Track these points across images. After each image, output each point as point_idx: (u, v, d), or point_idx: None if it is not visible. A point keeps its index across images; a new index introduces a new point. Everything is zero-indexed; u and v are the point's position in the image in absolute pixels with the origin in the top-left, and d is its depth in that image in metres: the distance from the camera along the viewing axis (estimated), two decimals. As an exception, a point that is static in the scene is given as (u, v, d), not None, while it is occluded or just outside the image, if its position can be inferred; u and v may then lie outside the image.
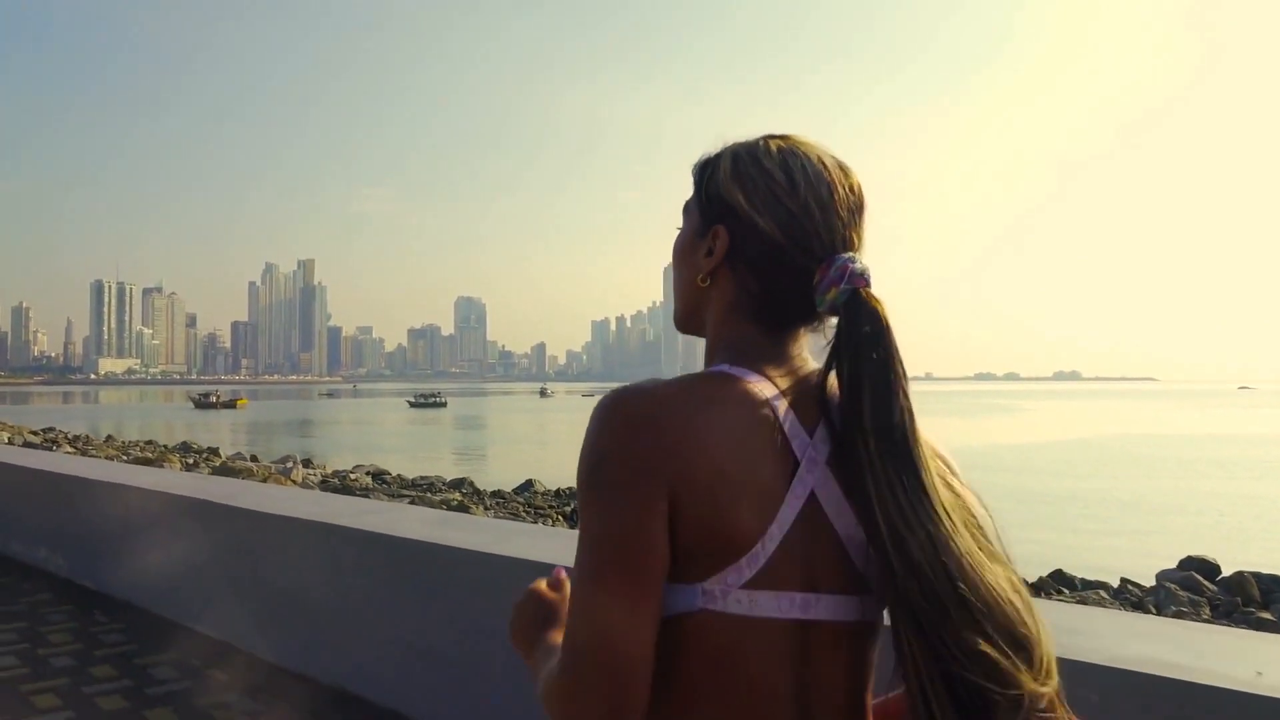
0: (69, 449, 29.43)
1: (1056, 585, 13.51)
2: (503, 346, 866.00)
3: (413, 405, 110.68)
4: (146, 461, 22.10)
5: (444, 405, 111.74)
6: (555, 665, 0.95)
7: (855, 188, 1.07)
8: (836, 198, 1.05)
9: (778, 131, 1.12)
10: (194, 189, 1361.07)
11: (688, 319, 1.15)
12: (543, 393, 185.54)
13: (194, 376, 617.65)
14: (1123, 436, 57.42)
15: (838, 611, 0.97)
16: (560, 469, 28.96)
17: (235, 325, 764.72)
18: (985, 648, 0.89)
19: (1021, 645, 0.90)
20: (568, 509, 19.52)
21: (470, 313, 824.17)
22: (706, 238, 1.08)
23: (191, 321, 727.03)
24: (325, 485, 20.05)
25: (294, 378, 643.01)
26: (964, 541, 0.94)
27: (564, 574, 1.16)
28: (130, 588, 5.60)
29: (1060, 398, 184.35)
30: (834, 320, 1.02)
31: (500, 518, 16.52)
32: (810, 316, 1.05)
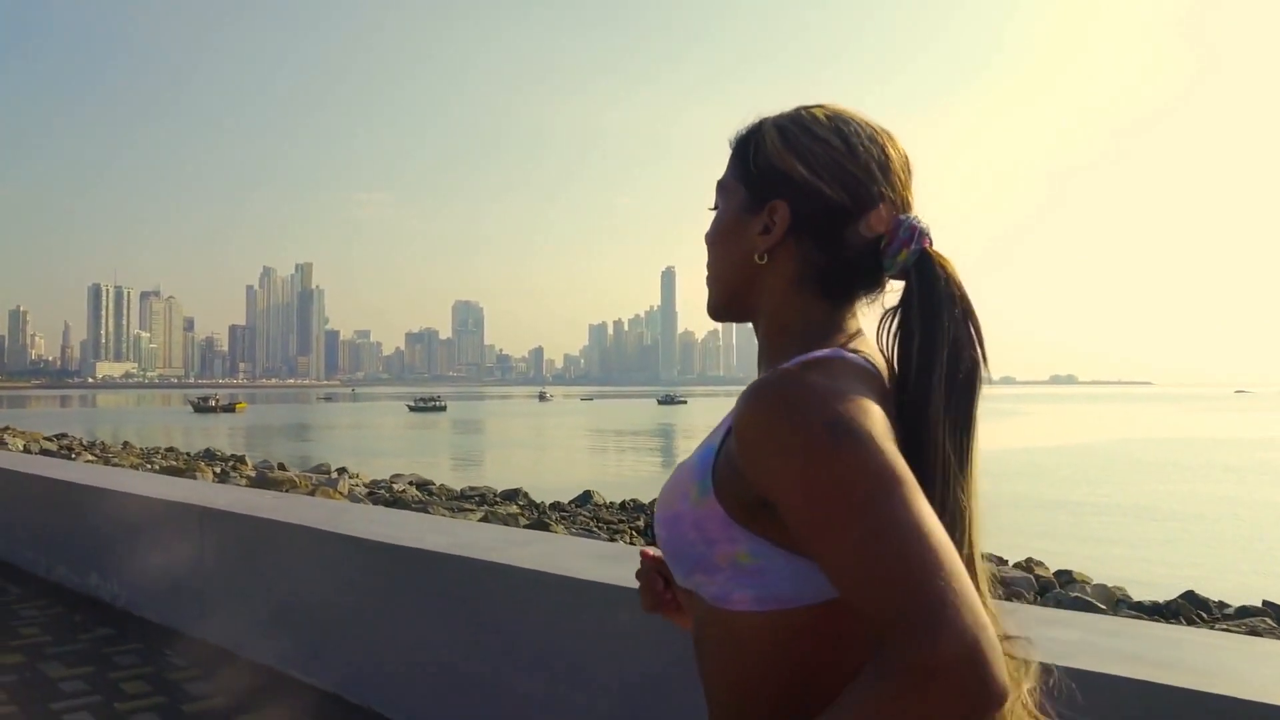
0: (90, 457, 28.80)
1: (1194, 609, 11.86)
2: (500, 350, 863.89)
3: (412, 409, 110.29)
4: (176, 471, 21.02)
5: (444, 409, 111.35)
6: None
7: (902, 149, 1.05)
8: (892, 158, 1.02)
9: (809, 102, 1.08)
10: (192, 193, 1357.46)
11: (732, 302, 1.09)
12: (542, 397, 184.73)
13: (191, 380, 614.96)
14: (1128, 440, 57.22)
15: None
16: (598, 478, 28.56)
17: (233, 329, 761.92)
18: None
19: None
20: (639, 524, 18.54)
21: (468, 317, 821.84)
22: (761, 213, 1.03)
23: (189, 325, 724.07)
24: (375, 498, 19.04)
25: (291, 381, 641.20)
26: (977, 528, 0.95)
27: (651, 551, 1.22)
28: (172, 613, 5.07)
29: (1058, 401, 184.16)
30: (892, 285, 1.02)
31: (577, 534, 15.73)
32: (872, 284, 1.03)
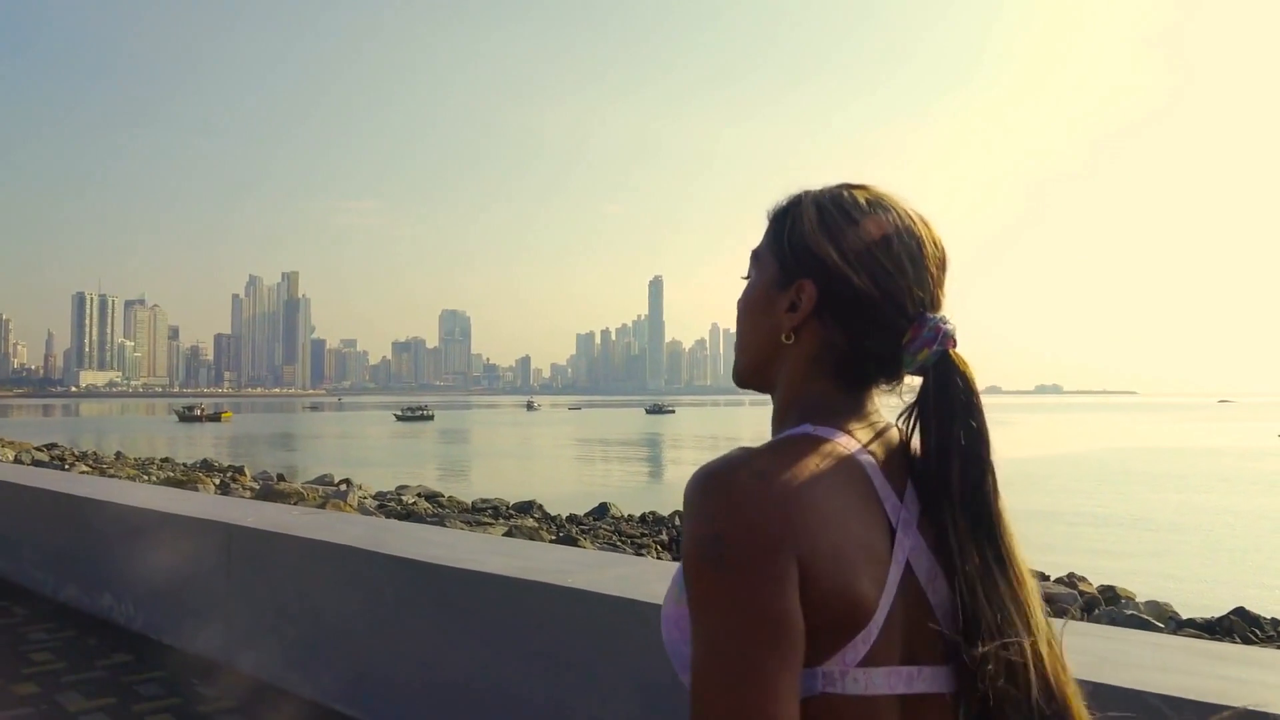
0: (85, 468, 27.88)
1: (1248, 626, 11.48)
2: (487, 360, 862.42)
3: (400, 419, 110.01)
4: (177, 483, 20.21)
5: (431, 418, 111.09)
6: None
7: (939, 243, 1.04)
8: (926, 253, 1.01)
9: (853, 181, 1.07)
10: (178, 201, 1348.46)
11: (755, 373, 1.09)
12: (529, 406, 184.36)
13: (176, 389, 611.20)
14: (1118, 450, 57.21)
15: (936, 683, 0.93)
16: (608, 489, 27.97)
17: (218, 338, 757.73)
18: None
19: None
20: (662, 538, 18.06)
21: (455, 326, 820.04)
22: (789, 291, 1.03)
23: (174, 334, 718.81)
24: (386, 511, 18.30)
25: (277, 391, 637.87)
26: (1046, 645, 0.93)
27: None
28: (185, 636, 4.73)
29: (1044, 411, 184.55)
30: (912, 379, 1.01)
31: (603, 549, 15.21)
32: (891, 374, 1.02)
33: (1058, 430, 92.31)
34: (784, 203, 1.08)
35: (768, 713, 0.82)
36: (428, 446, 62.22)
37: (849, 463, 0.94)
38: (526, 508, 21.47)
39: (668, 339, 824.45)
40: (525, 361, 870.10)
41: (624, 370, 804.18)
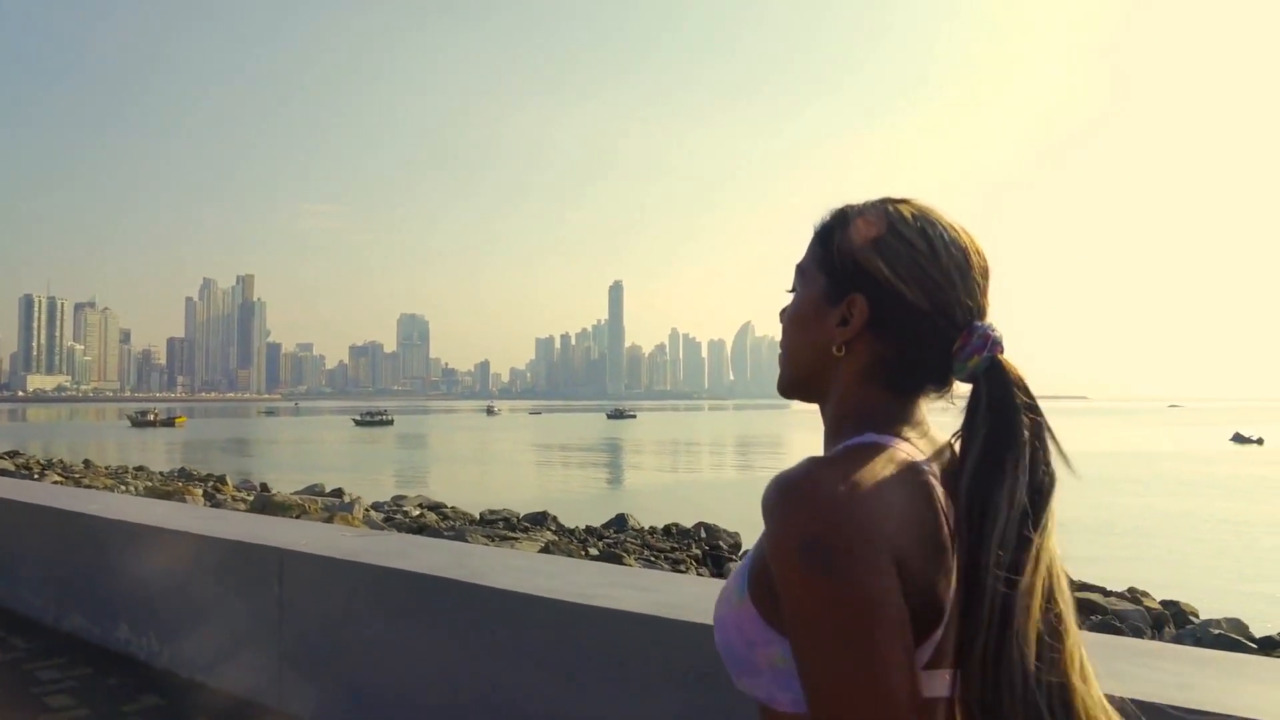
0: (56, 477, 26.45)
1: None
2: (446, 364, 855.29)
3: (359, 423, 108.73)
4: (162, 494, 18.75)
5: (391, 423, 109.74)
6: None
7: (982, 252, 1.07)
8: (972, 264, 1.04)
9: (895, 195, 1.09)
10: (132, 203, 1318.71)
11: (802, 385, 1.11)
12: (489, 411, 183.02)
13: (127, 394, 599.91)
14: (1076, 455, 57.51)
15: (944, 688, 0.94)
16: (611, 498, 27.06)
17: (171, 341, 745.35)
18: None
19: None
20: (695, 552, 17.41)
21: (413, 330, 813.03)
22: (839, 306, 1.05)
23: (125, 337, 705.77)
24: (394, 524, 17.37)
25: (232, 395, 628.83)
26: (1077, 679, 0.93)
27: None
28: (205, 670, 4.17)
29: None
30: (961, 385, 1.04)
31: (649, 566, 14.53)
32: (940, 382, 1.04)
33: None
34: (829, 218, 1.10)
35: (913, 703, 0.84)
36: (397, 452, 61.14)
37: (913, 468, 0.96)
38: (540, 519, 20.50)
39: (628, 344, 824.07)
40: (484, 366, 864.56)
41: (584, 375, 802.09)
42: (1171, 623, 11.92)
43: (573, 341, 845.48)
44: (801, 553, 0.87)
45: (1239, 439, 73.50)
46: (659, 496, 30.46)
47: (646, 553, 16.67)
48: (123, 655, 4.99)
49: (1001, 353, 1.01)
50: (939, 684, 0.92)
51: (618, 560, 14.30)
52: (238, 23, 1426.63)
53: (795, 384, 1.11)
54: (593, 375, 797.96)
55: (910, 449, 0.98)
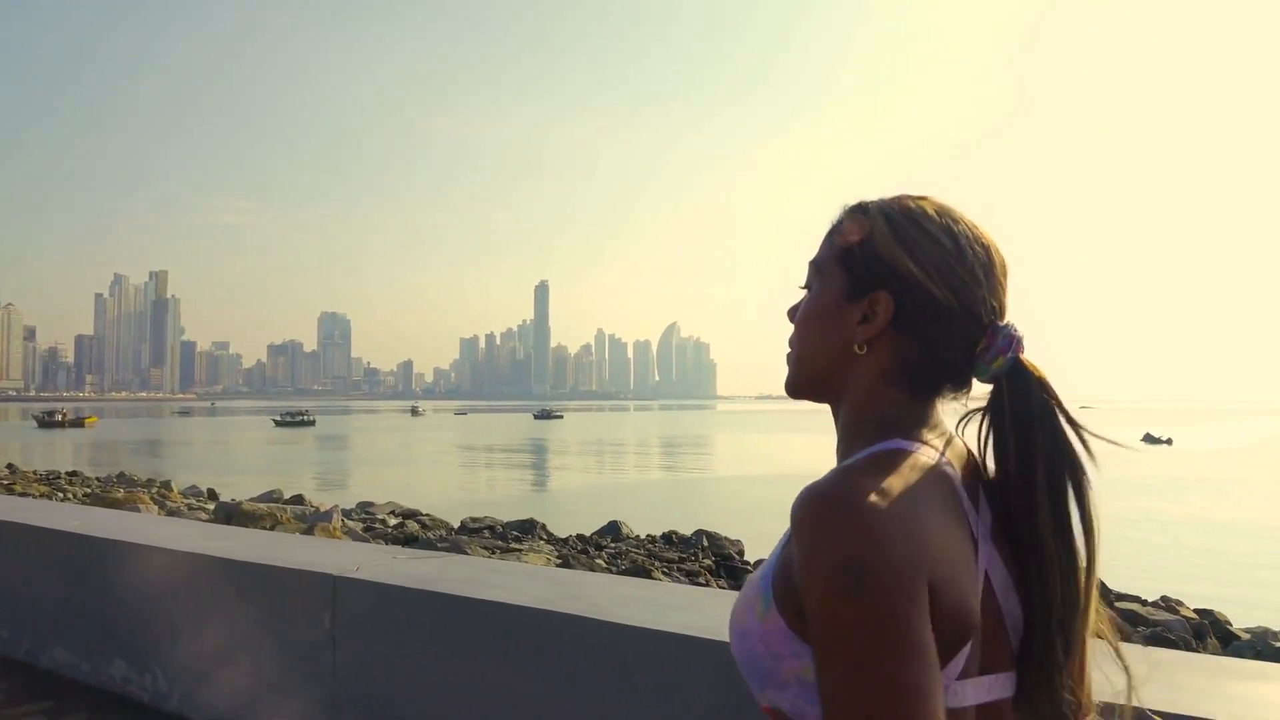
0: None
1: None
2: (368, 364, 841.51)
3: (279, 424, 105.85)
4: (111, 502, 17.03)
5: (313, 424, 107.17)
6: None
7: (1001, 251, 1.06)
8: (995, 262, 1.03)
9: (913, 192, 1.06)
10: (40, 197, 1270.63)
11: (818, 384, 1.07)
12: (414, 411, 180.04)
13: (32, 393, 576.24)
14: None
15: (1004, 689, 0.95)
16: (600, 504, 26.27)
17: (79, 339, 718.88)
18: None
19: None
20: (707, 562, 16.77)
21: (334, 329, 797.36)
22: (861, 303, 1.02)
23: (30, 334, 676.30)
24: (383, 536, 16.32)
25: (144, 395, 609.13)
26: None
27: None
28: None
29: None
30: (979, 386, 1.03)
31: (677, 580, 13.83)
32: (959, 383, 1.03)
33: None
34: (848, 213, 1.07)
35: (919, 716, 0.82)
36: (327, 454, 59.62)
37: (939, 474, 0.94)
38: (529, 528, 19.45)
39: (553, 344, 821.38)
40: (407, 365, 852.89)
41: (509, 375, 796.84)
42: (1210, 632, 11.62)
43: (498, 341, 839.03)
44: (836, 573, 0.84)
45: (1150, 439, 75.46)
46: (640, 501, 29.76)
47: (657, 564, 15.88)
48: (120, 696, 4.27)
49: (1023, 352, 1.00)
50: (973, 692, 0.91)
51: (645, 574, 13.63)
52: (161, 17, 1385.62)
53: (808, 383, 1.07)
54: (518, 375, 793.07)
55: (933, 454, 0.96)
